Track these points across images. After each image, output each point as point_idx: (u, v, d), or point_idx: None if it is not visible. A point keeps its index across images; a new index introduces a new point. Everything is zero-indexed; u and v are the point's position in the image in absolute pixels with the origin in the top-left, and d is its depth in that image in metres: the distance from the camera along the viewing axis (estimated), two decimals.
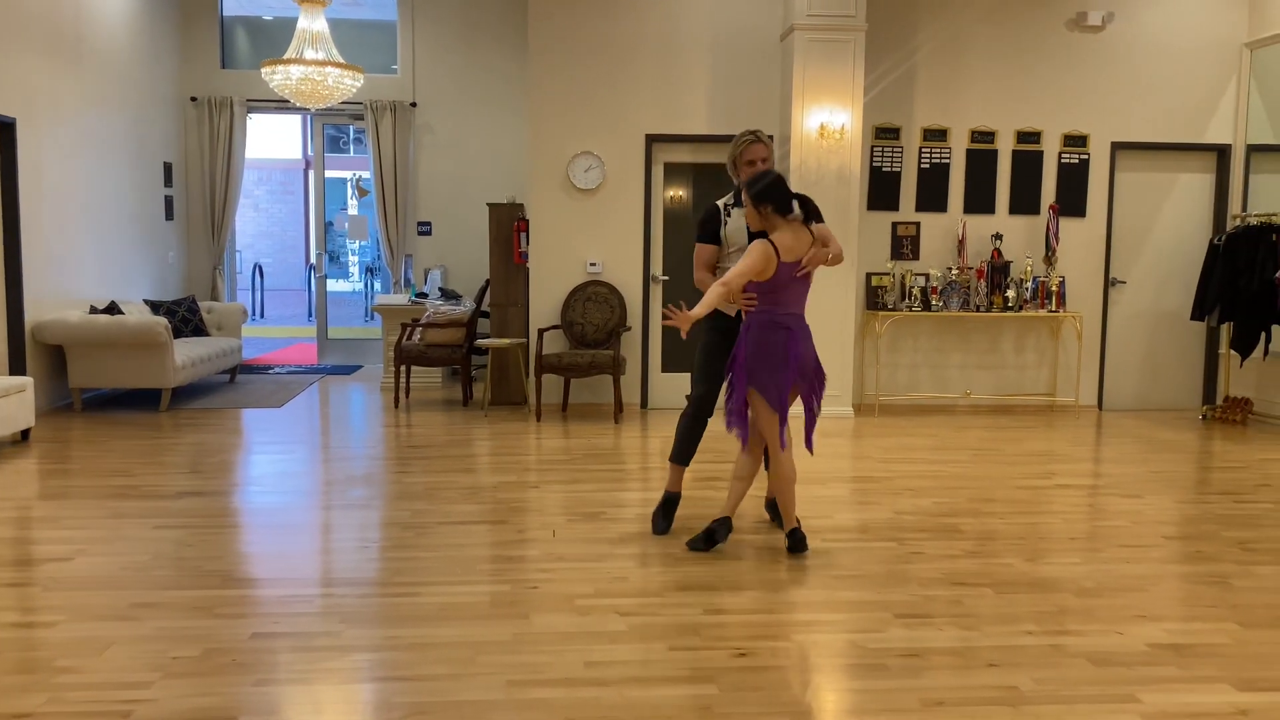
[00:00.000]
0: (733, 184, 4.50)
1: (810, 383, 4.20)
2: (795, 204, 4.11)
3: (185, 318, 8.67)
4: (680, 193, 8.11)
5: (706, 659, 3.14)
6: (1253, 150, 8.09)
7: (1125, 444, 6.86)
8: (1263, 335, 7.42)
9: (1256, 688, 2.98)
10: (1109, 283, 8.23)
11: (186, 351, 7.81)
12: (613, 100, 7.81)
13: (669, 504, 4.59)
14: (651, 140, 7.86)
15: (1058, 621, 3.50)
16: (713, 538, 4.27)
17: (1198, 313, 7.85)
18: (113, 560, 4.04)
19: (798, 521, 4.25)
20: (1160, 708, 2.84)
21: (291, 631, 3.33)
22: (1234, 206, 8.10)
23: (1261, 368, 7.70)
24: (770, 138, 4.64)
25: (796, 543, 4.21)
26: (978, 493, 5.35)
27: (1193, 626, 3.47)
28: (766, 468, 4.35)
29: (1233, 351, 7.66)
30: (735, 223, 4.38)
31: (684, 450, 4.58)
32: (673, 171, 8.03)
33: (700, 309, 4.03)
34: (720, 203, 4.46)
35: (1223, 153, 8.18)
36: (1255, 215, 7.57)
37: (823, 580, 3.93)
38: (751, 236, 4.24)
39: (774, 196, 4.08)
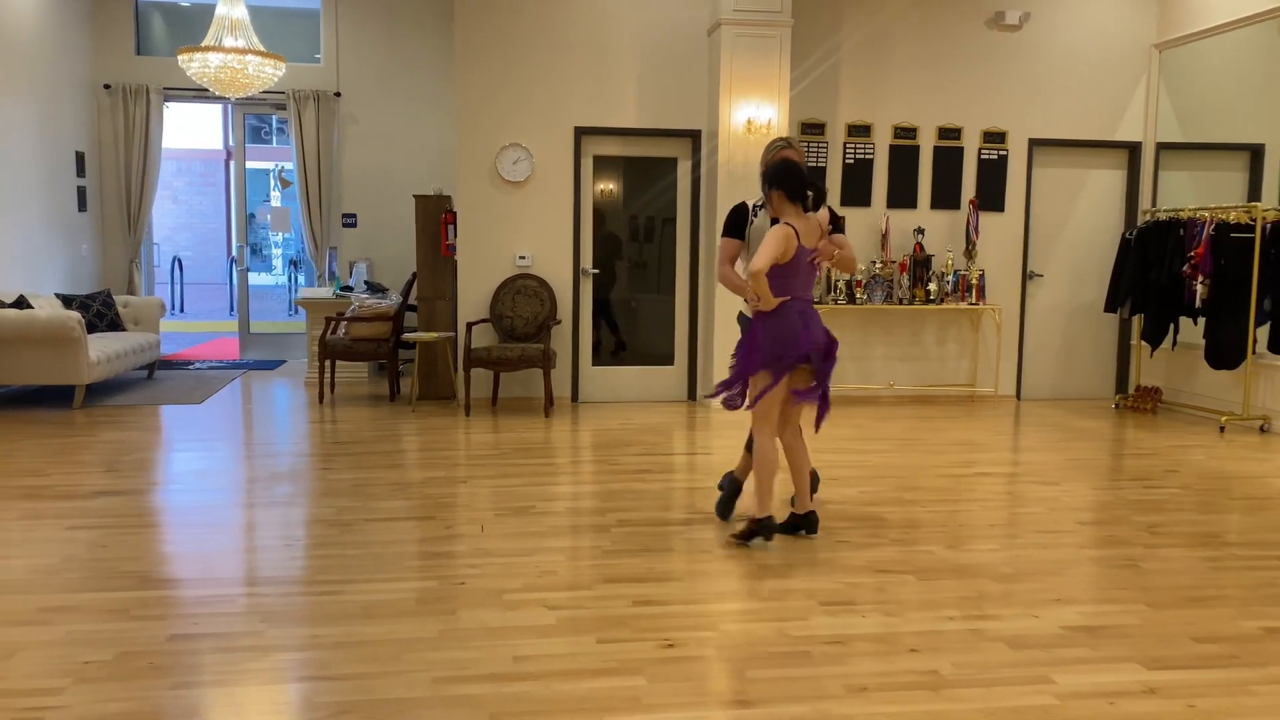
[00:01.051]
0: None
1: (820, 364, 4.29)
2: (809, 192, 4.25)
3: (100, 312, 8.41)
4: (611, 186, 8.11)
5: (635, 650, 3.15)
6: (1162, 148, 8.37)
7: (1042, 432, 7.05)
8: (1171, 327, 7.68)
9: (1163, 666, 3.09)
10: (1026, 276, 8.45)
11: (101, 347, 7.57)
12: (541, 92, 7.77)
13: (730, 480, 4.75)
14: (581, 133, 7.84)
15: (977, 606, 3.59)
16: (796, 527, 4.41)
17: (1111, 305, 8.10)
18: (22, 563, 3.91)
19: (762, 512, 4.24)
20: (1073, 688, 2.93)
21: (211, 632, 3.26)
22: (1144, 202, 8.37)
23: (1170, 358, 7.98)
24: (803, 144, 4.82)
25: (750, 533, 4.24)
26: (901, 482, 5.45)
27: (1104, 608, 3.59)
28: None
29: (1144, 342, 7.93)
30: (760, 222, 4.48)
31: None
32: (603, 164, 8.03)
33: (766, 298, 4.16)
34: (750, 202, 4.58)
35: (1134, 150, 8.45)
36: (1164, 210, 7.84)
37: (750, 570, 3.97)
38: None
39: (786, 183, 4.22)
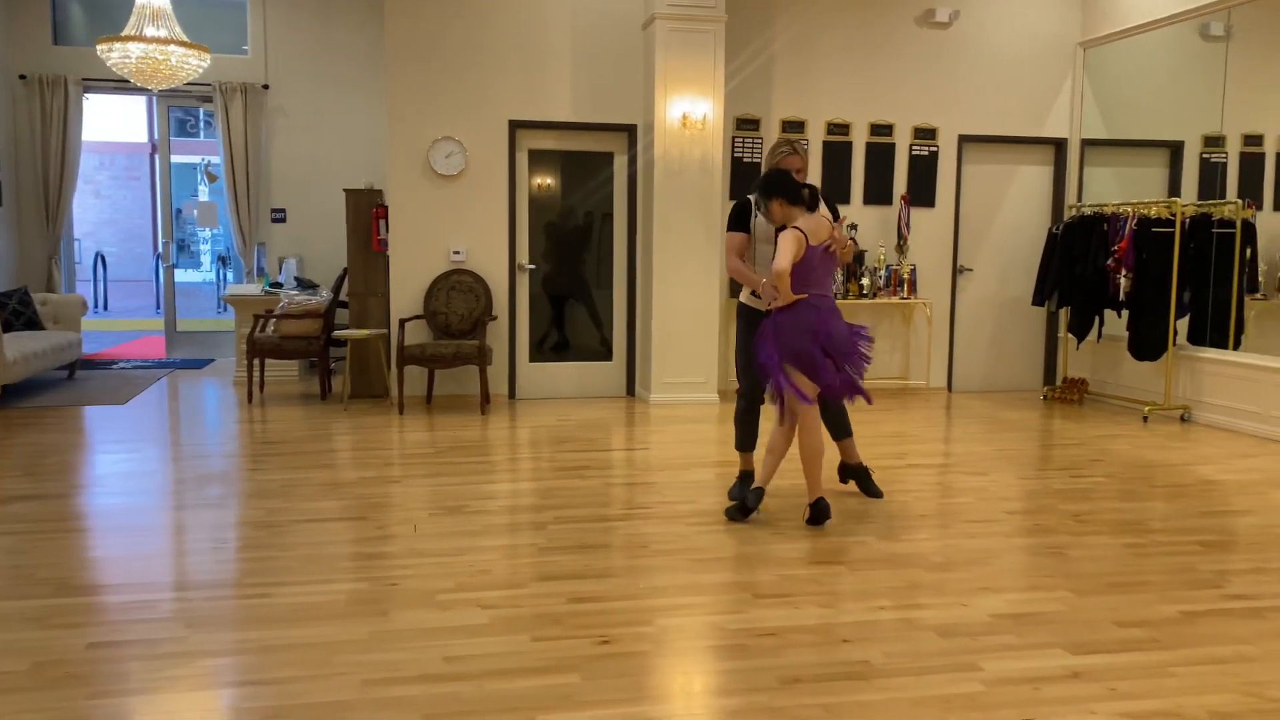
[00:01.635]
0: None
1: (845, 354, 4.47)
2: (805, 192, 4.44)
3: (16, 310, 8.13)
4: (548, 180, 8.06)
5: (569, 648, 3.13)
6: (1086, 144, 8.57)
7: (972, 424, 7.18)
8: (1096, 319, 7.87)
9: (1087, 650, 3.16)
10: (957, 270, 8.59)
11: (18, 346, 7.33)
12: (474, 85, 7.69)
13: (745, 479, 4.87)
14: (515, 126, 7.78)
15: (909, 596, 3.64)
16: (745, 507, 4.53)
17: (1038, 298, 8.28)
18: None
19: (822, 494, 4.51)
20: (1000, 674, 2.98)
21: (133, 639, 3.16)
22: (1070, 197, 8.57)
23: (1096, 350, 8.18)
24: (805, 146, 5.15)
25: (818, 514, 4.47)
26: (835, 474, 5.49)
27: (1031, 596, 3.66)
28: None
29: (1070, 335, 8.11)
30: (764, 219, 4.61)
31: (745, 438, 4.93)
32: (538, 159, 7.97)
33: (786, 295, 4.33)
34: (752, 197, 4.66)
35: (1059, 146, 8.64)
36: (1089, 205, 8.03)
37: (686, 564, 3.97)
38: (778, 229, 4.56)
39: (781, 190, 4.42)
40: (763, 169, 4.82)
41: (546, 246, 8.10)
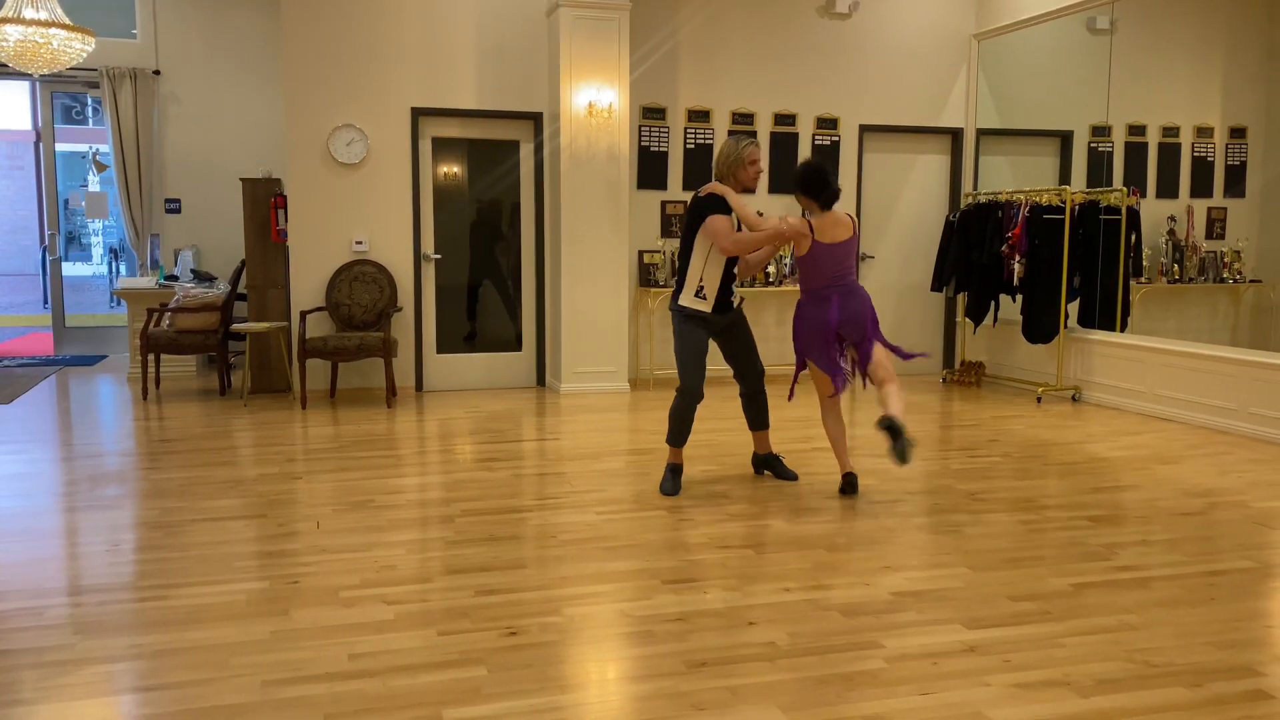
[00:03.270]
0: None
1: (861, 335, 4.72)
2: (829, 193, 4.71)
3: None
4: (454, 169, 7.96)
5: (476, 641, 3.11)
6: (981, 134, 8.82)
7: (875, 408, 7.30)
8: (992, 304, 8.12)
9: (983, 625, 3.27)
10: (859, 258, 8.76)
11: None
12: (375, 71, 7.53)
13: (676, 472, 4.93)
14: (418, 113, 7.66)
15: (814, 577, 3.71)
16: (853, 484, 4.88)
17: (937, 284, 8.50)
18: None
19: (851, 466, 4.93)
20: (901, 650, 3.06)
21: (14, 649, 3.03)
22: (966, 185, 8.81)
23: (992, 334, 8.44)
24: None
25: (849, 484, 4.86)
26: (743, 459, 5.57)
27: (930, 573, 3.76)
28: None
29: (967, 319, 8.35)
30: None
31: (680, 434, 4.93)
32: (442, 146, 7.86)
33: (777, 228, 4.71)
34: (712, 193, 4.78)
35: (956, 135, 8.87)
36: (984, 193, 8.26)
37: (594, 553, 3.98)
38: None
39: (808, 187, 4.71)
40: (716, 161, 4.93)
41: (456, 235, 8.00)
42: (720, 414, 6.91)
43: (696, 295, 4.78)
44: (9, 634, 3.15)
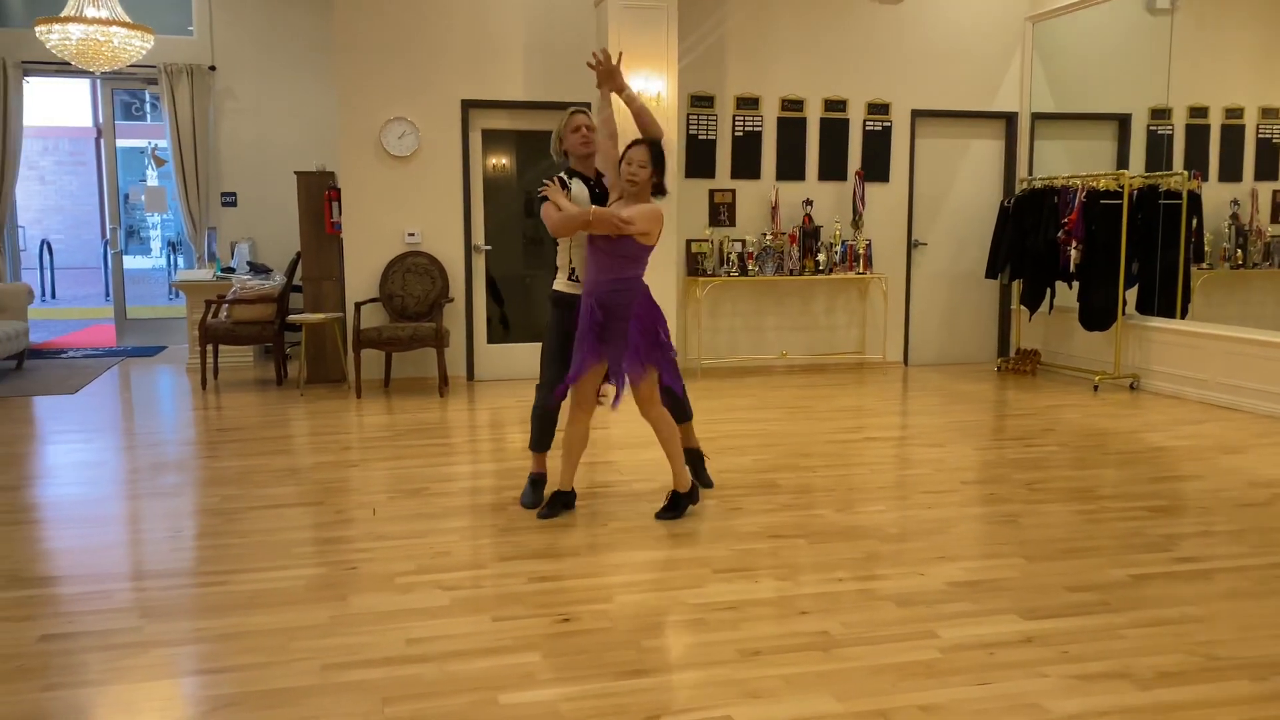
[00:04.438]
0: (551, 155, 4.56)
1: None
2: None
3: None
4: (503, 160, 8.00)
5: (530, 627, 3.14)
6: (1036, 118, 8.66)
7: (928, 397, 7.26)
8: (1048, 291, 7.98)
9: (1040, 615, 3.23)
10: (911, 245, 8.66)
11: None
12: (426, 64, 7.59)
13: (537, 484, 4.52)
14: (468, 106, 7.70)
15: (866, 567, 3.69)
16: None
17: (991, 271, 8.37)
18: None
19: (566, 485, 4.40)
20: (956, 641, 3.03)
21: (86, 631, 3.12)
22: (1021, 170, 8.66)
23: (1048, 321, 8.30)
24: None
25: (553, 501, 4.35)
26: (794, 448, 5.55)
27: (986, 563, 3.72)
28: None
29: (1022, 307, 8.22)
30: (578, 191, 4.36)
31: (543, 437, 4.55)
32: (492, 138, 7.90)
33: (572, 213, 4.08)
34: (560, 175, 4.37)
35: (1010, 120, 8.72)
36: (1039, 179, 8.12)
37: (645, 541, 3.99)
38: (596, 203, 4.31)
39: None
40: (555, 135, 4.53)
41: (505, 226, 8.04)
42: (768, 403, 6.89)
43: (570, 279, 4.38)
44: (78, 616, 3.24)
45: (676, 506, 4.28)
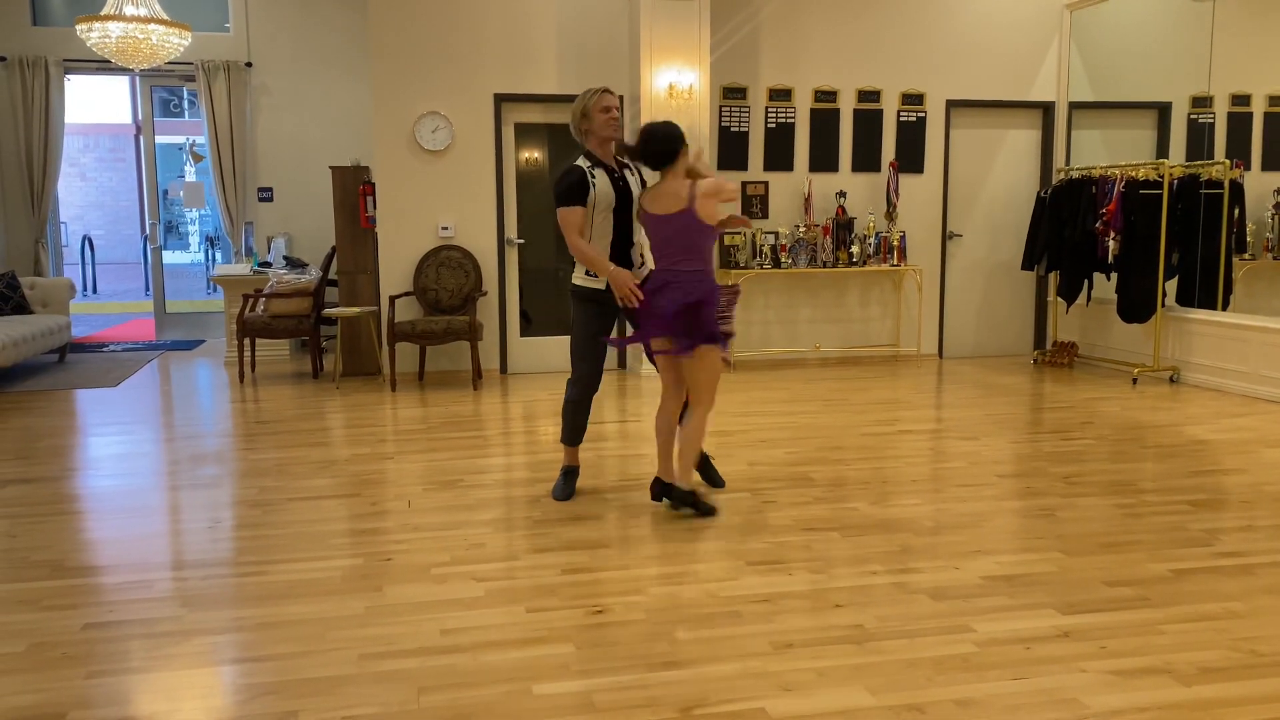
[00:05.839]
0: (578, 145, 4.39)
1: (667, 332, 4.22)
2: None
3: (4, 294, 8.09)
4: (535, 154, 8.01)
5: (564, 618, 3.15)
6: (1074, 107, 8.54)
7: (963, 389, 7.20)
8: (1085, 283, 7.88)
9: (1077, 610, 3.19)
10: (946, 236, 8.58)
11: (7, 330, 7.29)
12: (459, 59, 7.62)
13: (570, 476, 4.55)
14: (501, 100, 7.73)
15: (901, 561, 3.67)
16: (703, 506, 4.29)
17: (1027, 263, 8.28)
18: None
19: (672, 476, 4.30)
20: (991, 635, 3.01)
21: (128, 619, 3.17)
22: (1058, 160, 8.55)
23: (1085, 313, 8.20)
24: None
25: (664, 492, 4.29)
26: (827, 441, 5.53)
27: (1022, 558, 3.69)
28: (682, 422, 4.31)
29: (1059, 298, 8.12)
30: (601, 184, 4.23)
31: (575, 432, 4.56)
32: (524, 132, 7.92)
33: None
34: (583, 165, 4.24)
35: (1047, 109, 8.61)
36: (1076, 169, 8.01)
37: (678, 533, 3.99)
38: (620, 195, 4.25)
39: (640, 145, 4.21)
40: (577, 112, 4.30)
41: (538, 220, 8.06)
42: (802, 396, 6.86)
43: (587, 274, 4.30)
44: (121, 605, 3.30)
45: (669, 494, 4.21)
